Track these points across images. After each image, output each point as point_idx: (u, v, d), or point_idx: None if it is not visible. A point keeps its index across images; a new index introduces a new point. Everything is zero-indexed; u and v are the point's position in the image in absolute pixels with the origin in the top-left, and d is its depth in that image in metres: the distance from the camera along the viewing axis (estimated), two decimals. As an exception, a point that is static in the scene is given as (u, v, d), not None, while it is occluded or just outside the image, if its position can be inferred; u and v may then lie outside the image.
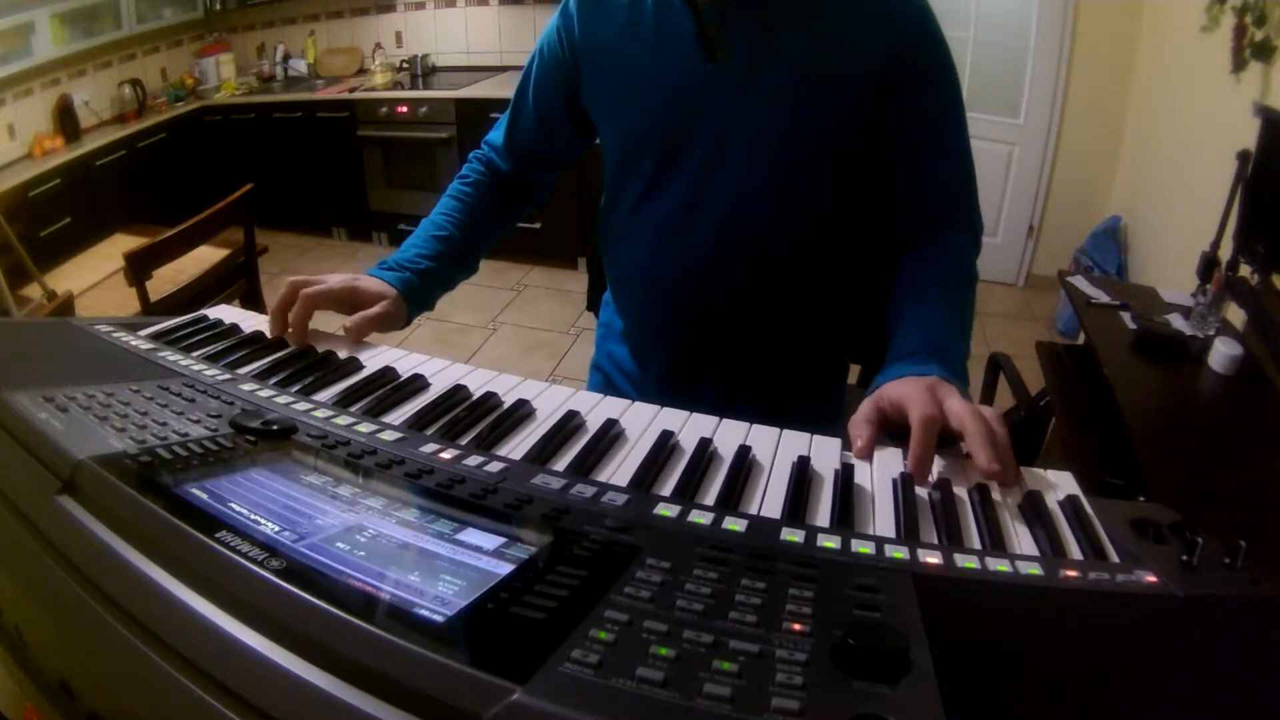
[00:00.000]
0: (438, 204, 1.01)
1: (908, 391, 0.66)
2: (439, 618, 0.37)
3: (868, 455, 0.63)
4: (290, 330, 0.79)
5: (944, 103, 0.86)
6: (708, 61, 0.82)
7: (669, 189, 0.89)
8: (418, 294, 0.90)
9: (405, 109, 3.77)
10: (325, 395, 0.67)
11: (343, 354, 0.76)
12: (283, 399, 0.64)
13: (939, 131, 0.86)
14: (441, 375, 0.73)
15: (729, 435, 0.63)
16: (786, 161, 0.85)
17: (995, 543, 0.50)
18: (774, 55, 0.81)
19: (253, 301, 2.45)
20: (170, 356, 0.71)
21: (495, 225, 1.05)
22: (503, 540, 0.44)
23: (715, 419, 0.66)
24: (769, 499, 0.55)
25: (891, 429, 0.67)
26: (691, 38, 0.82)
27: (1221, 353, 1.65)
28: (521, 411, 0.65)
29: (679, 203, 0.89)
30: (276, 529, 0.43)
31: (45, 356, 0.70)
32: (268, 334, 0.80)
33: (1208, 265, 1.84)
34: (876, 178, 0.89)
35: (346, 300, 0.84)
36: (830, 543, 0.47)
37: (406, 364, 0.75)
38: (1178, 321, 1.84)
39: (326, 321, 0.83)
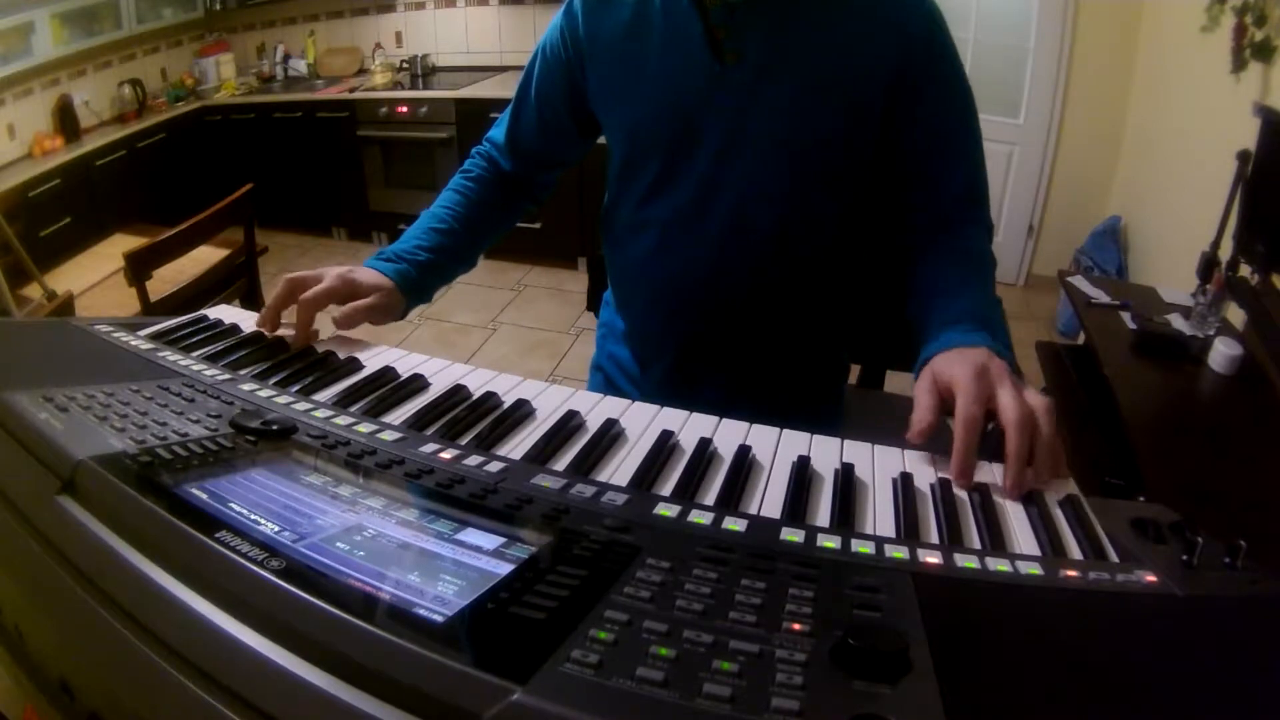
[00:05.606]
0: (439, 197, 1.01)
1: (958, 373, 0.64)
2: (439, 618, 0.37)
3: (928, 430, 0.63)
4: (294, 337, 0.79)
5: (955, 104, 0.85)
6: (716, 63, 0.82)
7: (674, 189, 0.89)
8: (414, 285, 0.90)
9: (405, 109, 3.77)
10: (325, 395, 0.67)
11: (343, 354, 0.76)
12: (283, 399, 0.64)
13: (950, 133, 0.86)
14: (441, 375, 0.73)
15: (729, 435, 0.63)
16: (795, 163, 0.85)
17: (995, 543, 0.50)
18: (783, 58, 0.81)
19: (253, 301, 2.45)
20: (170, 356, 0.71)
21: (496, 221, 1.04)
22: (503, 540, 0.44)
23: (715, 419, 0.66)
24: (769, 499, 0.55)
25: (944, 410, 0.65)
26: (700, 39, 0.82)
27: (1221, 353, 1.65)
28: (521, 411, 0.65)
29: (684, 203, 0.89)
30: (276, 529, 0.43)
31: (45, 356, 0.70)
32: (261, 329, 0.80)
33: (1208, 265, 1.84)
34: (884, 180, 0.89)
35: (344, 294, 0.83)
36: (830, 543, 0.47)
37: (406, 364, 0.75)
38: (1178, 321, 1.84)
39: (322, 318, 0.83)
